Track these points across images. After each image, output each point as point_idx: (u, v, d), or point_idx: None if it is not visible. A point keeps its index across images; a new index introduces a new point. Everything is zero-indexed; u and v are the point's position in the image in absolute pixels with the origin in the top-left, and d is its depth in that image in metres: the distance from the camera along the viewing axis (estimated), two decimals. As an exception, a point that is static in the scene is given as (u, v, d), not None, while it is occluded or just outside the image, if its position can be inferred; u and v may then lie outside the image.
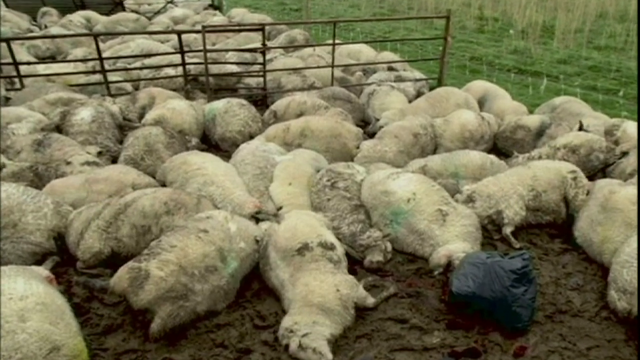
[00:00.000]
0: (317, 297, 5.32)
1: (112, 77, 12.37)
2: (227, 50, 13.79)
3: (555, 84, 13.99)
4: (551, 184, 7.48)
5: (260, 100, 11.13)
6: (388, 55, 13.60)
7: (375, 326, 5.59)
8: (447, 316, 5.80)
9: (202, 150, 9.18)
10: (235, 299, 5.91)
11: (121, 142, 9.54)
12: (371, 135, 9.05)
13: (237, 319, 5.67)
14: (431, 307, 5.91)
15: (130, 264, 5.41)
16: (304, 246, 5.69)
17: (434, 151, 9.46)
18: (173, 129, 9.33)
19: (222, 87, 11.35)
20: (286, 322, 5.29)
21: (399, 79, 11.49)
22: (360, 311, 5.68)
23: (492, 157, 8.35)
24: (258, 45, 13.09)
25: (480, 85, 12.19)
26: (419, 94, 11.39)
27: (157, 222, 6.42)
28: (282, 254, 5.80)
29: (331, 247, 5.80)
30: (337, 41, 11.47)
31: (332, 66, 11.41)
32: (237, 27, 16.04)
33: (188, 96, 11.45)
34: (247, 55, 12.67)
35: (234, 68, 11.78)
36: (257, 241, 6.20)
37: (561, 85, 13.75)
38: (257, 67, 11.90)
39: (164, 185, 7.80)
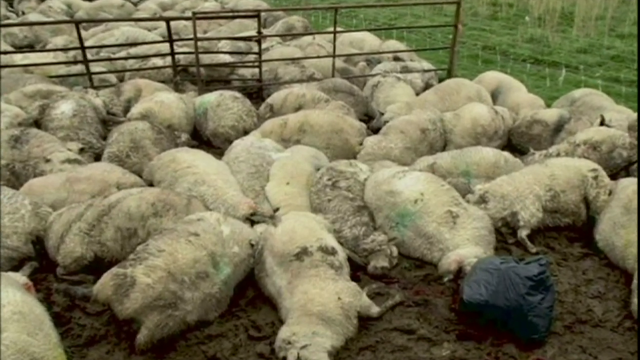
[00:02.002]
0: (317, 305, 5.31)
1: (95, 67, 12.38)
2: (219, 39, 13.77)
3: (574, 75, 13.99)
4: (570, 183, 7.48)
5: (256, 92, 11.15)
6: (394, 44, 13.60)
7: (380, 337, 5.59)
8: (458, 326, 5.80)
9: (193, 146, 9.16)
10: (228, 308, 5.91)
11: (105, 138, 9.53)
12: (375, 131, 9.06)
13: (231, 330, 5.67)
14: (440, 317, 5.91)
15: (114, 270, 5.41)
16: (303, 251, 5.69)
17: (444, 148, 9.47)
18: (161, 123, 9.32)
19: (214, 79, 11.37)
20: (283, 332, 5.29)
21: (406, 70, 11.51)
22: (364, 321, 5.68)
23: (507, 154, 8.35)
24: (253, 33, 13.07)
25: (493, 77, 12.19)
26: (427, 86, 11.42)
27: (144, 225, 6.42)
28: (279, 259, 5.80)
29: (332, 252, 5.80)
30: (338, 29, 11.48)
31: (333, 56, 11.41)
32: (230, 14, 16.01)
33: (177, 88, 11.43)
34: (241, 44, 12.68)
35: (227, 58, 11.79)
36: (251, 245, 6.20)
37: (581, 76, 13.75)
38: (252, 57, 11.91)
39: (151, 184, 7.80)
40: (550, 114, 10.00)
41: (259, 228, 6.31)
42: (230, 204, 6.83)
